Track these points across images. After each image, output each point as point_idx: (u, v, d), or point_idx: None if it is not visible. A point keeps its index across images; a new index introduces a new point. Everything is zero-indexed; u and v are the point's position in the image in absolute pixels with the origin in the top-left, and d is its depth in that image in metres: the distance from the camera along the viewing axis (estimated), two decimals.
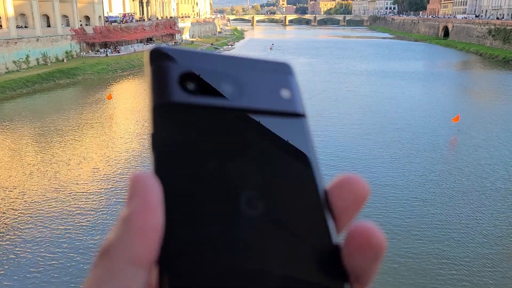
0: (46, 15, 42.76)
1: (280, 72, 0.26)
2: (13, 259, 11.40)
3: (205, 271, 0.20)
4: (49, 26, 43.36)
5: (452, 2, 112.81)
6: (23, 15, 40.43)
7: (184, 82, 0.23)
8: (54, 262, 11.12)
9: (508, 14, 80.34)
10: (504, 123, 26.25)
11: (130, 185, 0.21)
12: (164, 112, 0.22)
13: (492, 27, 67.66)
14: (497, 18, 75.15)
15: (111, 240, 0.20)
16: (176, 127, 0.22)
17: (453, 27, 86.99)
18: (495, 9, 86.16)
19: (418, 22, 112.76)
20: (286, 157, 0.24)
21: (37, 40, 40.05)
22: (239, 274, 0.20)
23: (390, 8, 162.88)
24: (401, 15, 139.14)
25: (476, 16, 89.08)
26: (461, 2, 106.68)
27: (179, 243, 0.20)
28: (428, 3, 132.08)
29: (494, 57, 58.92)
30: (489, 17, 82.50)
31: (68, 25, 45.67)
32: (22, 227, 12.98)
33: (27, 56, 38.35)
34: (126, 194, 0.22)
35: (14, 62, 36.98)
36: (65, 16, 45.27)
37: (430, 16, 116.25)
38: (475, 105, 32.27)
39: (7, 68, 35.81)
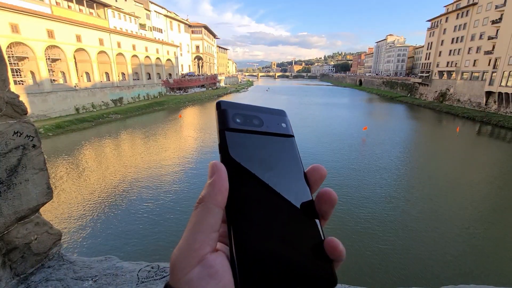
0: (148, 73, 57.05)
1: (280, 114, 0.46)
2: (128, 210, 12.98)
3: (249, 215, 0.35)
4: (149, 78, 56.92)
5: (363, 66, 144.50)
6: (136, 73, 53.69)
7: (234, 118, 0.41)
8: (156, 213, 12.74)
9: (392, 73, 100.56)
10: (390, 130, 30.60)
11: (211, 166, 0.37)
12: (225, 133, 0.39)
13: (384, 80, 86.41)
14: (387, 75, 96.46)
15: (204, 194, 0.35)
16: (230, 140, 0.39)
17: (364, 80, 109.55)
18: (386, 70, 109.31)
19: (346, 77, 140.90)
20: (286, 156, 0.42)
21: (144, 86, 53.30)
22: (273, 223, 0.36)
23: (331, 70, 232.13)
24: (337, 73, 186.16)
25: (376, 74, 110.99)
26: (368, 66, 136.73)
27: (234, 198, 0.36)
28: (351, 66, 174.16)
29: (385, 96, 73.70)
30: (382, 74, 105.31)
31: (160, 78, 59.80)
32: (131, 190, 15.31)
33: (138, 95, 51.21)
34: (208, 170, 0.36)
35: (132, 98, 49.63)
36: (158, 73, 59.70)
37: (352, 74, 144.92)
38: (375, 120, 37.76)
39: (128, 101, 48.27)
